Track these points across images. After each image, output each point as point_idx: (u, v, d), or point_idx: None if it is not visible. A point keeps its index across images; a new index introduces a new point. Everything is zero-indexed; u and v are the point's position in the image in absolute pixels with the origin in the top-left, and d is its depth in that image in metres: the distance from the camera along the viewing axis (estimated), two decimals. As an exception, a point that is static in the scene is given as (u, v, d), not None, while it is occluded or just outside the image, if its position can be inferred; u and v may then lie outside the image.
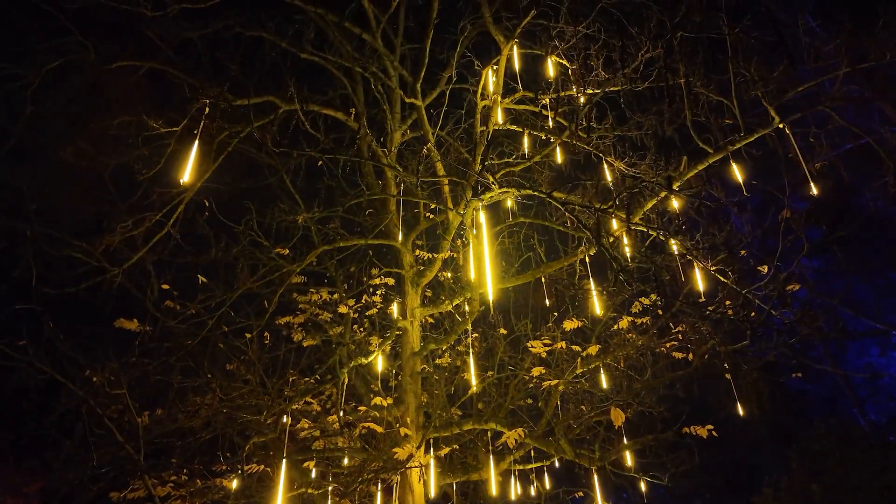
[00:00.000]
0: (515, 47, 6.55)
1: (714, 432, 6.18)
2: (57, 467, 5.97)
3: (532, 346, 6.39)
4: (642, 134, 7.02)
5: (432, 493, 6.08)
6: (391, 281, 7.52)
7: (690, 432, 5.93)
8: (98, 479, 5.67)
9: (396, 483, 5.86)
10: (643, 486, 7.04)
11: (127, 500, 5.82)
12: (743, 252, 6.15)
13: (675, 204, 6.07)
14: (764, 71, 6.03)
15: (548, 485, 7.79)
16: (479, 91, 6.86)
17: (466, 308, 6.24)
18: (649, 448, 6.90)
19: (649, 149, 6.74)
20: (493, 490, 6.55)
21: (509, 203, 7.02)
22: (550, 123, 6.77)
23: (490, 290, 4.80)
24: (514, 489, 7.38)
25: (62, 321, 5.17)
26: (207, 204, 6.63)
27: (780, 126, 5.87)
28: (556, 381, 6.07)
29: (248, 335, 6.49)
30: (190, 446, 5.94)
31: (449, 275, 7.49)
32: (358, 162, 7.68)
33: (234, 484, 5.37)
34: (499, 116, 6.23)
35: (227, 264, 6.91)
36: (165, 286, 6.44)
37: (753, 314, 5.91)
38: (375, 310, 7.38)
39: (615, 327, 6.57)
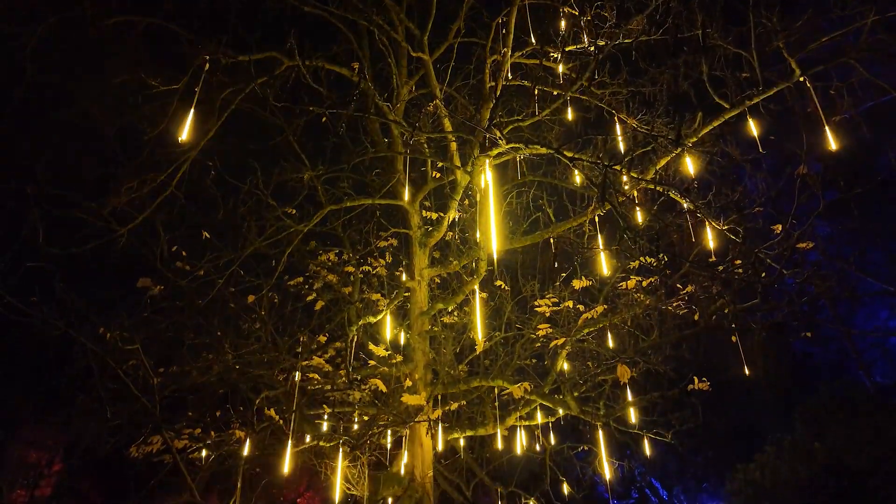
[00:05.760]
0: (526, -2, 6.29)
1: (714, 388, 6.22)
2: (76, 421, 6.15)
3: (538, 305, 6.40)
4: (656, 90, 6.78)
5: (440, 446, 6.23)
6: (395, 242, 7.49)
7: (695, 387, 5.97)
8: (115, 432, 5.86)
9: (406, 437, 6.00)
10: (647, 443, 7.17)
11: (144, 453, 6.02)
12: (757, 209, 6.02)
13: (689, 163, 5.91)
14: (786, 21, 5.75)
15: (553, 440, 7.96)
16: (489, 45, 6.63)
17: (474, 267, 6.22)
18: (654, 406, 6.97)
19: (662, 104, 6.53)
20: (499, 444, 6.70)
21: (518, 161, 6.89)
22: (561, 78, 6.56)
23: (495, 251, 4.75)
24: (520, 444, 7.55)
25: (72, 282, 5.22)
26: (213, 164, 6.57)
27: (801, 79, 5.62)
28: (562, 340, 6.09)
29: (250, 297, 6.54)
30: (203, 401, 6.09)
31: (457, 235, 7.44)
32: (363, 118, 7.52)
33: (247, 437, 5.52)
34: (508, 71, 6.03)
35: (234, 225, 6.91)
36: (174, 248, 6.47)
37: (764, 274, 5.83)
38: (383, 269, 7.38)
39: (623, 287, 6.53)
